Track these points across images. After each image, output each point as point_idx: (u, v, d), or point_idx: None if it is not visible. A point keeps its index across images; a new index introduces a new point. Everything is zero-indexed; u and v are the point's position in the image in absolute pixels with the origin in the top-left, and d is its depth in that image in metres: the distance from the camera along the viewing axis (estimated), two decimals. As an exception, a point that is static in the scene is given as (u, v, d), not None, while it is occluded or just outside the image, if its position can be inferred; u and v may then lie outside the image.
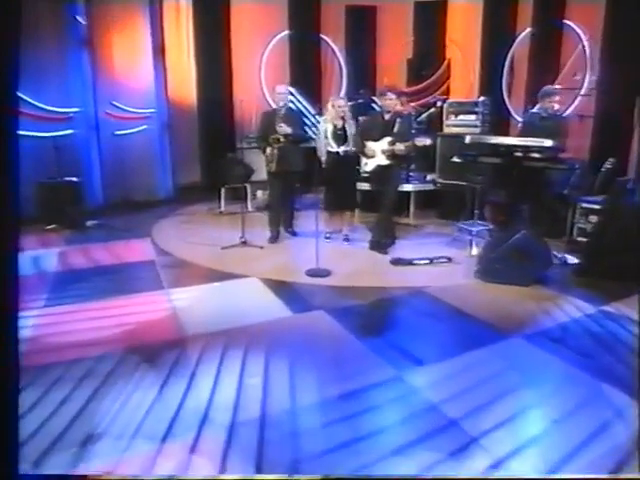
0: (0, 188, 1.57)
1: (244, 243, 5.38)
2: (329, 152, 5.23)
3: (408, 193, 6.47)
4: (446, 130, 6.43)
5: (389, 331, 3.57)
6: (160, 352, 3.10)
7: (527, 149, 4.56)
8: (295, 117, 5.42)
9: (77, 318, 3.59)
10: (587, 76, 7.26)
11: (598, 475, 2.33)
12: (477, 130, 6.17)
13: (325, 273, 4.50)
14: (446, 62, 8.92)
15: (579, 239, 4.76)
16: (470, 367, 2.99)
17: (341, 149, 5.15)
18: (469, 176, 5.24)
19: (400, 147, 4.82)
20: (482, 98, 8.39)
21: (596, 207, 4.62)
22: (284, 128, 5.10)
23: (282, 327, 3.54)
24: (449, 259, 4.85)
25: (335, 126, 5.21)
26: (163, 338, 3.33)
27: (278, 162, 5.22)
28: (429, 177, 6.75)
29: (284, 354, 3.09)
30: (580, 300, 3.97)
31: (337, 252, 5.16)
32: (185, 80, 8.43)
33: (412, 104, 9.05)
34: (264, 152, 5.34)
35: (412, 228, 6.23)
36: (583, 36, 7.32)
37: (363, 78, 9.15)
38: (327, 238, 5.54)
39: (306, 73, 8.92)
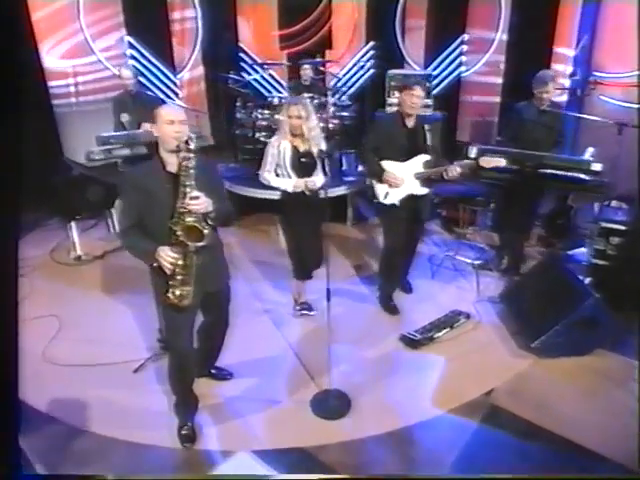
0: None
1: (166, 347, 3.16)
2: (288, 193, 3.16)
3: (344, 196, 4.86)
4: (389, 110, 4.75)
5: None
6: None
7: (563, 169, 3.33)
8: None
9: None
10: (500, 27, 6.18)
11: (598, 475, 2.28)
12: (428, 111, 4.68)
13: (344, 406, 2.79)
14: (327, -3, 6.90)
15: (596, 262, 3.88)
16: None
17: (307, 182, 3.06)
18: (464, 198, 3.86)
19: (457, 171, 3.08)
20: (371, 43, 6.95)
21: (620, 227, 3.72)
22: (196, 203, 2.13)
23: None
24: (467, 316, 3.57)
25: (296, 149, 3.14)
26: None
27: (202, 279, 2.29)
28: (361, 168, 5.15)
29: None
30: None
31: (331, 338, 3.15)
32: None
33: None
34: (150, 259, 2.21)
35: (357, 241, 4.73)
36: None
37: (223, 22, 6.60)
38: (303, 310, 3.61)
39: (147, 17, 5.96)
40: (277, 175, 3.17)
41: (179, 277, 2.23)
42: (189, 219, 2.16)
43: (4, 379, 1.52)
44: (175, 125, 2.17)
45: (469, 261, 4.14)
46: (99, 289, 3.97)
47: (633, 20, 4.60)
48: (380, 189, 3.31)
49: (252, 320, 3.49)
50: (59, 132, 5.59)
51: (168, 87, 6.33)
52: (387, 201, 3.32)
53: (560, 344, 3.12)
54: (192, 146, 2.13)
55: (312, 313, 3.60)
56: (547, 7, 5.47)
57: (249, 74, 6.49)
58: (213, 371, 2.98)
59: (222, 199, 2.35)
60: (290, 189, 3.09)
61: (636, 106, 4.85)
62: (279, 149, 3.09)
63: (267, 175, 3.16)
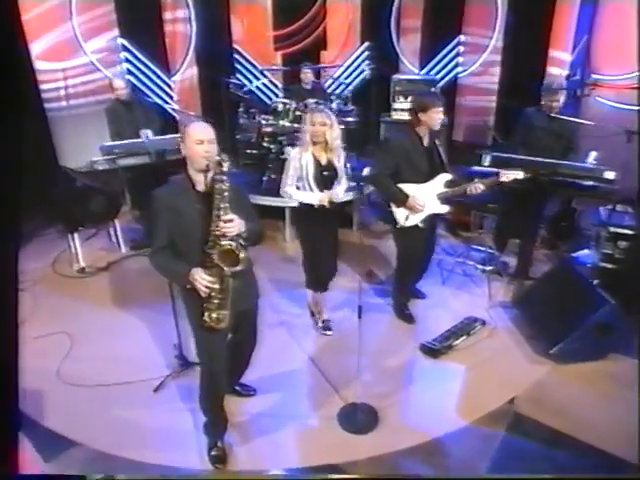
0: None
1: (185, 364, 3.16)
2: (307, 205, 3.13)
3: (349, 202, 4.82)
4: (394, 116, 4.74)
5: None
6: None
7: (575, 177, 3.38)
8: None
9: None
10: (497, 28, 6.18)
11: (598, 475, 2.30)
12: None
13: (372, 420, 2.79)
14: (321, -5, 6.81)
15: (604, 265, 3.95)
16: None
17: (331, 196, 3.08)
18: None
19: (480, 188, 3.11)
20: (366, 44, 6.90)
21: (628, 232, 3.80)
22: (230, 226, 2.11)
23: None
24: (483, 322, 3.61)
25: (318, 162, 3.09)
26: None
27: (233, 299, 2.22)
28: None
29: None
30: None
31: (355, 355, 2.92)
32: None
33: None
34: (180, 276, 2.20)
35: (365, 247, 4.72)
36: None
37: (216, 22, 6.45)
38: (325, 329, 3.54)
39: (140, 17, 5.78)
40: (297, 188, 3.14)
41: (215, 301, 2.19)
42: (224, 242, 2.12)
43: (4, 381, 1.54)
44: (204, 145, 2.12)
45: (480, 267, 4.17)
46: (108, 303, 3.88)
47: (631, 21, 4.67)
48: (400, 213, 3.24)
49: (269, 333, 3.44)
50: (52, 137, 5.44)
51: (162, 90, 6.19)
52: (408, 223, 3.26)
53: (577, 350, 3.18)
54: (225, 168, 2.09)
55: (329, 333, 3.54)
56: (544, 7, 5.52)
57: (250, 82, 6.39)
58: (237, 388, 2.95)
59: (252, 218, 2.32)
60: (315, 203, 3.07)
61: (632, 108, 4.95)
62: (301, 162, 3.06)
63: (289, 189, 3.12)
